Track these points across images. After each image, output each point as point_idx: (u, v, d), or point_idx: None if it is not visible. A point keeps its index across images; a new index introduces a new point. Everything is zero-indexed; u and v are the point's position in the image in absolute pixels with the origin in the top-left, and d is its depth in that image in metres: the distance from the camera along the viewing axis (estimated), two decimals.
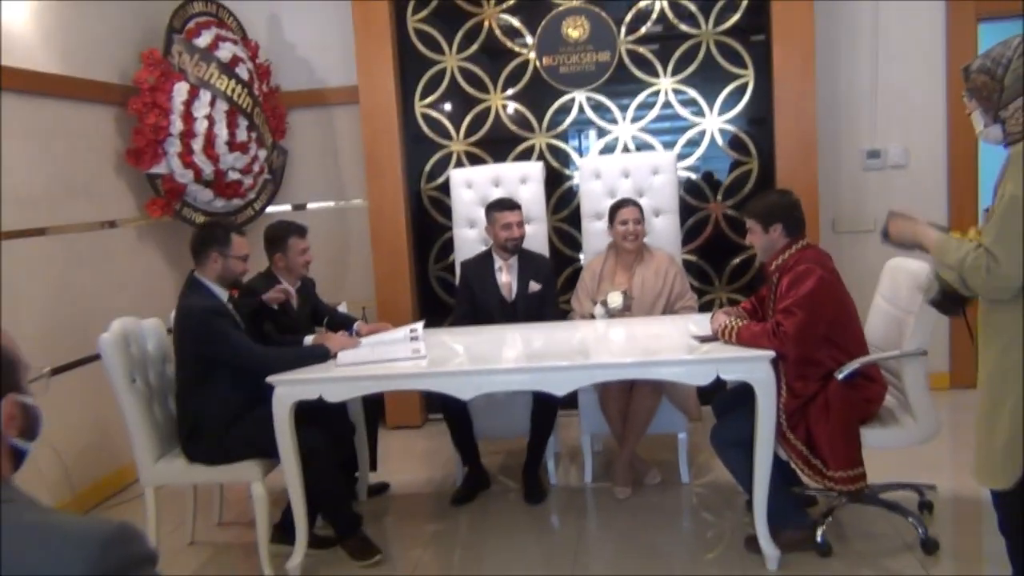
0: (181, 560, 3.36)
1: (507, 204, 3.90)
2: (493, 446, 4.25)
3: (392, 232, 4.75)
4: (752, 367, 2.80)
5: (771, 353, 2.79)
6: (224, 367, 3.02)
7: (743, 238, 4.69)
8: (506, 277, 3.93)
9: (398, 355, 3.12)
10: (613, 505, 3.59)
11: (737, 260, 4.77)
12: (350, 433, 3.51)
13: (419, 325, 3.36)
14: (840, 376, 2.81)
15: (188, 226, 4.47)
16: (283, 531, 3.23)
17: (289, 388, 2.95)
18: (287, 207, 5.05)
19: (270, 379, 2.95)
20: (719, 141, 4.68)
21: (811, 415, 2.83)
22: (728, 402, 3.18)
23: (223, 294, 3.16)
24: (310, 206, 5.08)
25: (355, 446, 3.65)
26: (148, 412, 3.13)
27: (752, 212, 3.02)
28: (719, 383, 2.89)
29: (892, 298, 3.10)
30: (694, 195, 4.75)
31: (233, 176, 4.45)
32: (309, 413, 3.05)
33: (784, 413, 2.85)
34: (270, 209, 4.88)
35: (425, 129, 4.86)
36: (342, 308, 3.92)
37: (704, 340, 3.04)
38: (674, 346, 3.14)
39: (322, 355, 3.10)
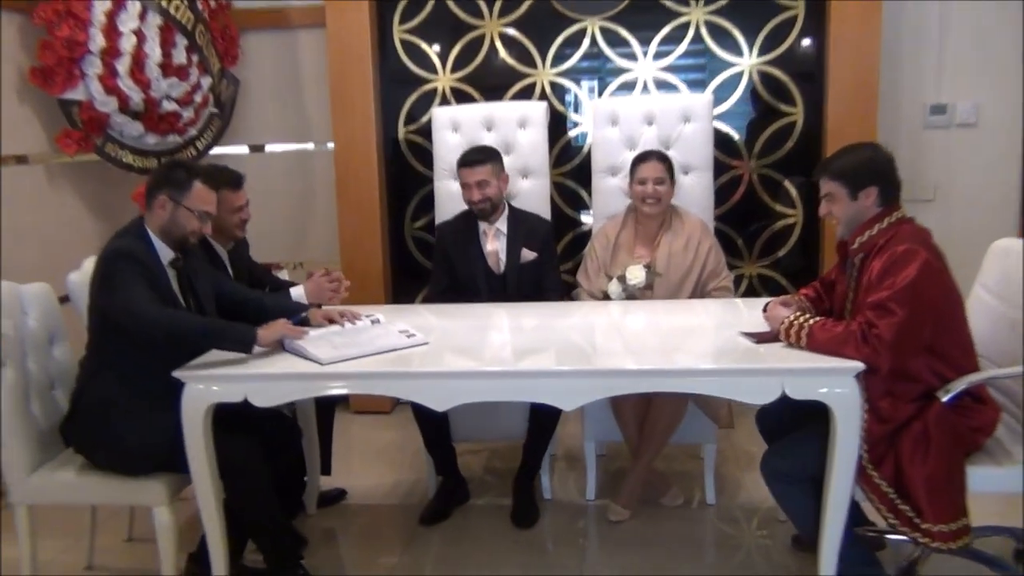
0: None
1: (468, 159, 3.16)
2: (474, 445, 3.55)
3: (362, 182, 3.98)
4: (832, 383, 2.08)
5: (858, 365, 2.06)
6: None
7: (780, 203, 4.00)
8: (493, 244, 3.18)
9: (390, 343, 2.42)
10: (621, 529, 2.91)
11: (771, 230, 4.03)
12: (295, 438, 2.75)
13: (378, 316, 2.67)
14: (945, 398, 2.09)
15: (113, 167, 3.69)
16: (200, 562, 2.51)
17: (204, 387, 2.21)
18: (241, 148, 4.30)
19: (177, 374, 2.21)
20: (758, 86, 3.92)
21: (903, 448, 2.12)
22: (781, 418, 2.46)
23: (166, 253, 2.42)
24: (268, 148, 4.33)
25: (303, 448, 2.93)
26: (22, 408, 2.38)
27: (835, 172, 2.26)
28: None
29: (1003, 292, 2.37)
30: (722, 150, 3.98)
31: (168, 107, 3.65)
32: (236, 415, 2.31)
33: (866, 442, 2.14)
34: (217, 150, 4.10)
35: (405, 60, 4.07)
36: (284, 273, 3.21)
37: (760, 340, 2.31)
38: (715, 346, 2.42)
39: (244, 340, 2.30)
